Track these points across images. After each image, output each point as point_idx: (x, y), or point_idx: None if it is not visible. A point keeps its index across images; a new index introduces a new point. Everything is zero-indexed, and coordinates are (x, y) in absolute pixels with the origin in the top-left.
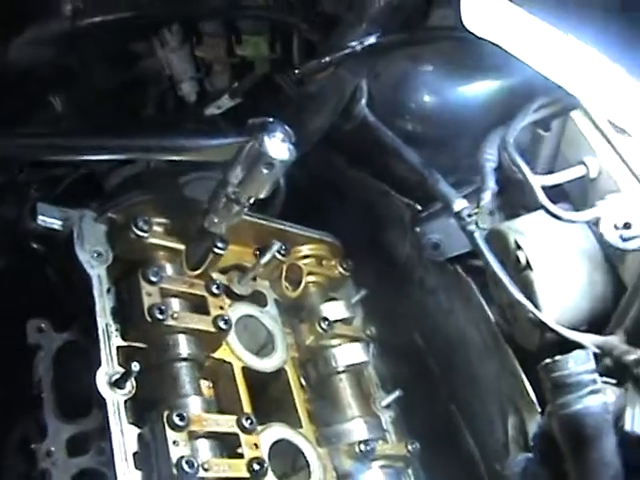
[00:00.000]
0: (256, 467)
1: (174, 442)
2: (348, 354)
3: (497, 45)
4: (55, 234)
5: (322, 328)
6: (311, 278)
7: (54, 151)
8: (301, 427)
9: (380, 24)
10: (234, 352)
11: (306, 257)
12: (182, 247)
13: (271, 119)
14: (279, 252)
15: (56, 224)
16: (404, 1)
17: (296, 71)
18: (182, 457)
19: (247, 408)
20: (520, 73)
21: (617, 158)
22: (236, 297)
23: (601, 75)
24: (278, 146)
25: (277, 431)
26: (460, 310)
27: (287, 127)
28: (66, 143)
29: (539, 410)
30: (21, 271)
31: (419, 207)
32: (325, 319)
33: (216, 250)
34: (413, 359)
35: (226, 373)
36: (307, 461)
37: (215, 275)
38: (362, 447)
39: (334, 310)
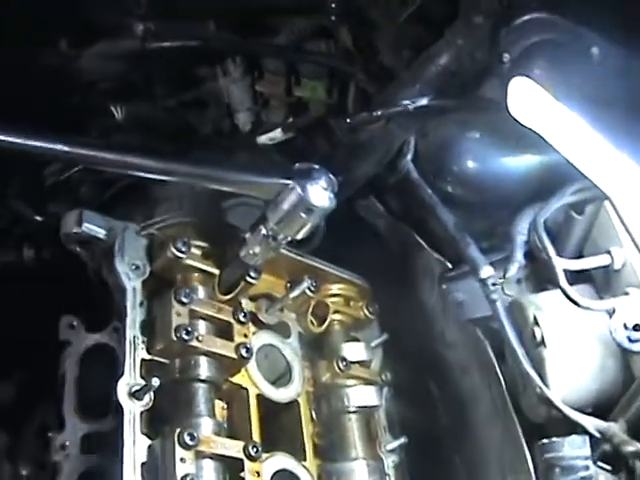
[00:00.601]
0: None
1: (181, 459)
2: (361, 396)
3: (536, 133)
4: (97, 242)
5: (339, 367)
6: (336, 316)
7: (107, 163)
8: (305, 460)
9: (434, 87)
10: (252, 379)
11: (334, 296)
12: (216, 271)
13: (317, 166)
14: (309, 288)
15: (100, 233)
16: (461, 69)
17: (348, 120)
18: (187, 475)
19: (256, 435)
20: (557, 155)
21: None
22: (261, 325)
23: (627, 176)
24: (320, 193)
25: (281, 461)
26: (476, 369)
27: (332, 175)
28: (118, 157)
29: None
30: (63, 267)
31: (449, 265)
32: (344, 359)
33: (249, 279)
34: (425, 407)
35: (241, 398)
36: None
37: (244, 301)
38: None
39: (354, 351)
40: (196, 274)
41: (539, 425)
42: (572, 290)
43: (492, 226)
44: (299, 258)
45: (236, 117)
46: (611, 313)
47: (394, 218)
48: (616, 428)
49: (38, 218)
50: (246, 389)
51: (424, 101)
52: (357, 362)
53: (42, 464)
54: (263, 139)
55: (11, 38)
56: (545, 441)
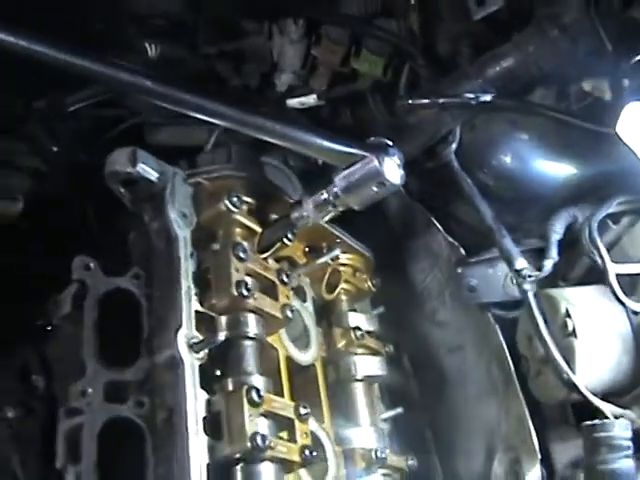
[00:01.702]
0: (307, 454)
1: (250, 416)
2: (369, 365)
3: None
4: (146, 184)
5: (356, 336)
6: (344, 286)
7: (172, 102)
8: (323, 422)
9: (495, 85)
10: (281, 340)
11: (344, 265)
12: (259, 229)
13: (390, 142)
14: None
15: (153, 175)
16: (522, 72)
17: (410, 101)
18: (256, 432)
19: (287, 396)
20: (599, 167)
21: None
22: None
23: None
24: (393, 169)
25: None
26: (472, 349)
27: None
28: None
29: (539, 457)
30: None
31: (462, 250)
32: (359, 328)
33: (285, 241)
34: (399, 380)
35: (272, 359)
36: (325, 456)
37: (271, 262)
38: (378, 454)
39: (366, 322)
40: (238, 229)
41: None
42: (622, 293)
43: (520, 222)
44: (322, 224)
45: (278, 76)
46: None
47: (410, 198)
48: (633, 415)
49: (54, 149)
50: (276, 350)
51: (487, 97)
52: (368, 332)
53: (30, 407)
54: (294, 102)
55: None
56: (596, 422)
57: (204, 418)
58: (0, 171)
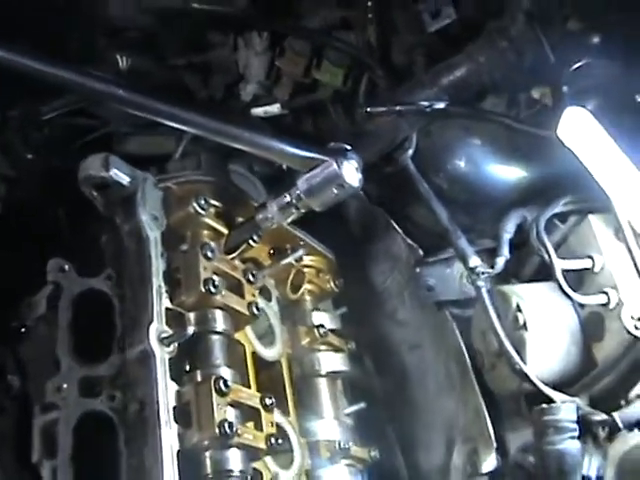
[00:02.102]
0: (273, 441)
1: (218, 405)
2: (332, 361)
3: (578, 159)
4: (118, 188)
5: (319, 333)
6: (308, 286)
7: (143, 110)
8: (289, 416)
9: (449, 93)
10: (247, 337)
11: (308, 266)
12: (225, 231)
13: (348, 147)
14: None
15: (124, 180)
16: (473, 81)
17: (368, 109)
18: (224, 420)
19: (253, 388)
20: (547, 170)
21: (620, 259)
22: None
23: None
24: (352, 172)
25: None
26: (430, 346)
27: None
28: (152, 104)
29: (495, 446)
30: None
31: (421, 251)
32: (322, 326)
33: (251, 242)
34: (361, 377)
35: (239, 354)
36: (291, 447)
37: (237, 263)
38: (341, 444)
39: (327, 319)
40: (206, 232)
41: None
42: (568, 287)
43: (472, 223)
44: (286, 227)
45: (243, 87)
46: (614, 306)
47: (369, 202)
48: (580, 402)
49: (29, 156)
50: (243, 345)
51: (441, 105)
52: (331, 330)
53: (2, 407)
54: (258, 111)
55: None
56: (544, 406)
57: (174, 408)
58: None
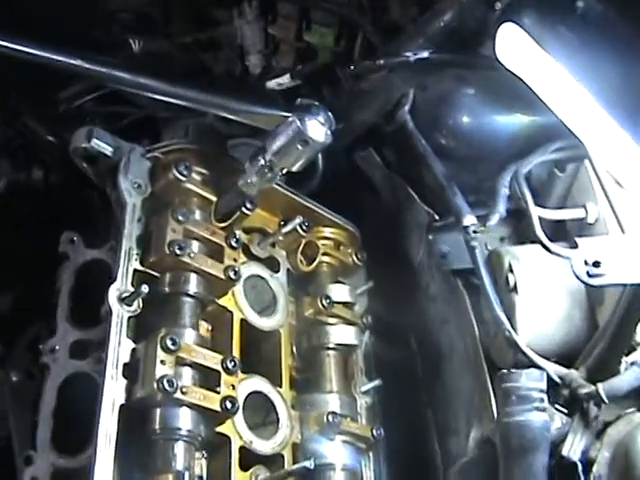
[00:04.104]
0: (228, 405)
1: (162, 361)
2: (340, 334)
3: (521, 79)
4: (104, 159)
5: (323, 305)
6: (325, 258)
7: (122, 82)
8: (281, 387)
9: (436, 42)
10: (237, 304)
11: (325, 238)
12: (214, 198)
13: (317, 103)
14: (301, 227)
15: (107, 150)
16: (462, 26)
17: (352, 67)
18: (165, 375)
19: (236, 354)
20: (549, 114)
21: (613, 207)
22: (252, 257)
23: (604, 132)
24: (317, 128)
25: (257, 383)
26: (453, 321)
27: (330, 114)
28: (130, 77)
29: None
30: (66, 187)
31: (436, 217)
32: (327, 297)
33: (244, 209)
34: (404, 359)
35: (225, 320)
36: (278, 417)
37: (238, 233)
38: (330, 418)
39: (338, 292)
40: (194, 199)
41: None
42: (545, 237)
43: (479, 181)
44: (294, 197)
45: (247, 59)
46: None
47: (389, 170)
48: (575, 374)
49: (50, 138)
50: (231, 312)
51: (425, 54)
52: (340, 302)
53: (30, 373)
54: (272, 84)
55: None
56: (504, 371)
57: (126, 364)
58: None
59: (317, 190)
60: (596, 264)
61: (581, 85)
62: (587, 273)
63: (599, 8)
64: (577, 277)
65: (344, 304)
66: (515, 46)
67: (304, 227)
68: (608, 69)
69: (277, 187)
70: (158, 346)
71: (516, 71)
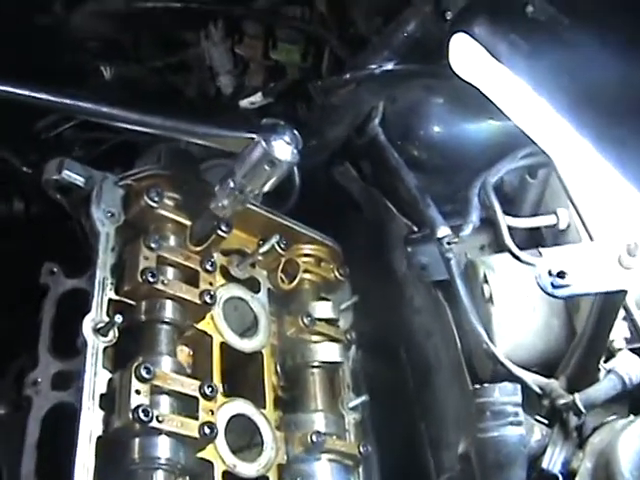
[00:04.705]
0: (207, 430)
1: (136, 391)
2: (324, 351)
3: (476, 88)
4: (77, 189)
5: (304, 323)
6: (307, 276)
7: (87, 113)
8: (264, 408)
9: (400, 53)
10: (217, 327)
11: (306, 255)
12: (188, 223)
13: (282, 122)
14: (279, 245)
15: (79, 180)
16: (426, 36)
17: (319, 82)
18: (140, 405)
19: (217, 379)
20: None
21: (579, 213)
22: (232, 279)
23: (565, 140)
24: (283, 148)
25: (239, 406)
26: (438, 333)
27: (296, 132)
28: (93, 107)
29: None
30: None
31: (415, 229)
32: (309, 315)
33: (220, 232)
34: (395, 373)
35: (205, 345)
36: (262, 439)
37: (216, 255)
38: (314, 437)
39: (320, 309)
40: (169, 224)
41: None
42: (515, 246)
43: (454, 191)
44: (272, 216)
45: (218, 80)
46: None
47: (366, 183)
48: (555, 384)
49: (25, 169)
50: (211, 336)
51: (389, 66)
52: (323, 319)
53: (18, 405)
54: (244, 103)
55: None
56: (477, 386)
57: (102, 395)
58: None
59: (298, 207)
60: (560, 274)
61: (537, 92)
62: (552, 284)
63: (550, 11)
64: (541, 288)
65: (327, 321)
66: (468, 56)
67: (282, 245)
68: (562, 74)
69: (253, 207)
70: (133, 376)
71: (472, 81)
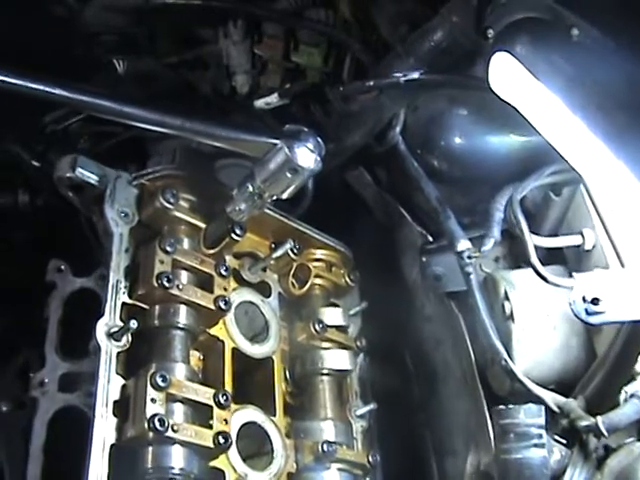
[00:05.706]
0: (221, 440)
1: (152, 399)
2: (334, 359)
3: (514, 108)
4: (90, 188)
5: (315, 329)
6: (318, 281)
7: (102, 110)
8: (274, 415)
9: (426, 62)
10: (229, 332)
11: (317, 260)
12: (203, 225)
13: (305, 129)
14: (292, 250)
15: (92, 179)
16: (453, 46)
17: (341, 88)
18: (156, 414)
19: (228, 386)
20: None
21: (610, 236)
22: (243, 282)
23: (600, 162)
24: (306, 155)
25: (250, 414)
26: (449, 342)
27: (319, 139)
28: (114, 105)
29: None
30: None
31: (430, 238)
32: (320, 322)
33: (233, 235)
34: (400, 379)
35: (217, 350)
36: (272, 447)
37: (228, 258)
38: (325, 447)
39: (331, 315)
40: (183, 226)
41: (504, 398)
42: (541, 266)
43: (473, 203)
44: (285, 220)
45: (234, 79)
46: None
47: (380, 189)
48: (574, 404)
49: (35, 163)
50: (222, 341)
51: (415, 75)
52: (334, 326)
53: (21, 403)
54: (259, 103)
55: None
56: (502, 407)
57: (116, 402)
58: None
59: (309, 210)
60: (595, 301)
61: (576, 115)
62: (586, 311)
63: (595, 35)
64: (576, 316)
65: (337, 327)
66: (508, 76)
67: (295, 250)
68: (604, 98)
69: (267, 210)
70: (148, 384)
71: (510, 101)
